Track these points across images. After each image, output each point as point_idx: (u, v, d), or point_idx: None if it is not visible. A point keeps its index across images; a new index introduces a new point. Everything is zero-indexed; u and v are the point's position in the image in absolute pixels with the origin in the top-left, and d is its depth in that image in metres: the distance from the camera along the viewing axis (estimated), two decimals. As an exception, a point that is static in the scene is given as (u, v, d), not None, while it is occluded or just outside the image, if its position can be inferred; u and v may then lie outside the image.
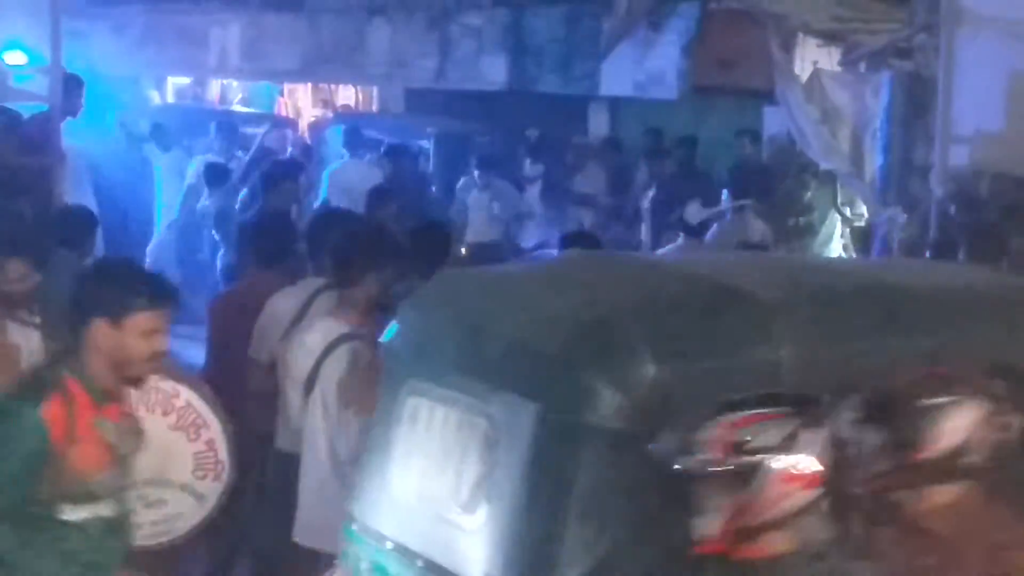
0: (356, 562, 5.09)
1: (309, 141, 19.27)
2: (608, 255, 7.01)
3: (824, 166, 13.48)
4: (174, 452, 5.96)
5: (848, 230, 14.07)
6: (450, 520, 4.59)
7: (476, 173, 14.94)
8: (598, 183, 15.62)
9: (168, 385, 6.13)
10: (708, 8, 14.53)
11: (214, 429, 6.35)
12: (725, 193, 12.72)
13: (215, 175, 14.50)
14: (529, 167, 16.01)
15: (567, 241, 8.65)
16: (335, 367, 6.48)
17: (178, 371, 6.47)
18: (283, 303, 7.47)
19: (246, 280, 8.57)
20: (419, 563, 4.71)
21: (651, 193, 14.12)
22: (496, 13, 16.53)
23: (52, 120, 10.93)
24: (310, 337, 6.66)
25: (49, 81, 10.86)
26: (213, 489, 6.29)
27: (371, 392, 6.09)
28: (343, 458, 6.40)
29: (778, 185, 13.96)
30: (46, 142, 10.76)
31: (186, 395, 6.30)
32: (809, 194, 14.16)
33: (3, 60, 11.41)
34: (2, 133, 10.48)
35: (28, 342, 6.84)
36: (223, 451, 6.34)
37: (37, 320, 6.90)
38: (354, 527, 5.09)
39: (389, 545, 4.89)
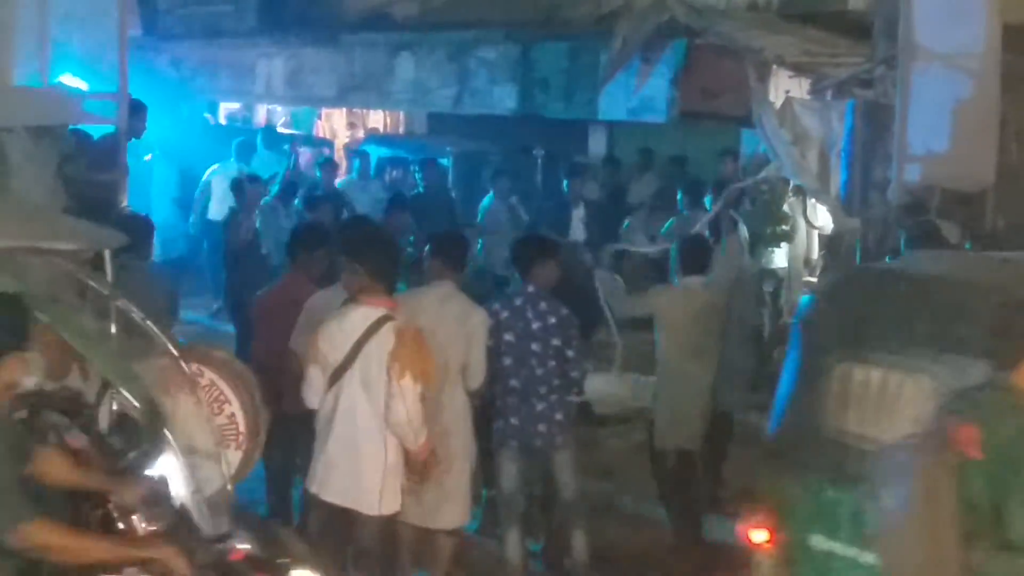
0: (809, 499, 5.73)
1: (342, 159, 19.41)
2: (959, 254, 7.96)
3: (795, 182, 13.52)
4: (200, 425, 6.00)
5: (817, 238, 14.13)
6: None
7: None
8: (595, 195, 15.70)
9: (194, 367, 6.17)
10: (694, 44, 14.53)
11: (235, 405, 6.42)
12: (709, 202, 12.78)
13: (239, 188, 14.41)
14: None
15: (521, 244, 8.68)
16: (380, 344, 6.57)
17: (205, 353, 6.54)
18: (322, 302, 7.56)
19: (282, 281, 8.68)
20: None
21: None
22: (508, 47, 16.55)
23: (118, 140, 10.99)
24: (348, 322, 6.75)
25: (117, 106, 10.92)
26: (235, 456, 6.35)
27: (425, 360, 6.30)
28: (402, 418, 6.50)
29: (757, 197, 14.02)
30: (113, 160, 10.82)
31: (209, 375, 6.37)
32: (786, 205, 14.20)
33: (74, 87, 11.48)
34: (76, 152, 10.54)
35: None
36: (242, 424, 6.41)
37: None
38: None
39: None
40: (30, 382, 5.42)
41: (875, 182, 12.19)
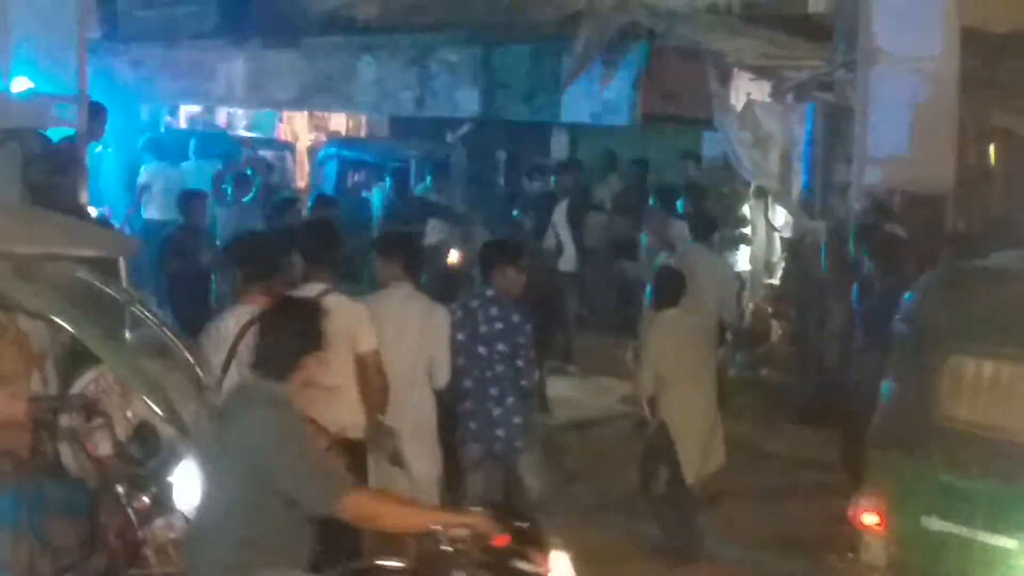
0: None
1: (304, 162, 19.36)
2: None
3: (756, 184, 13.57)
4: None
5: (779, 239, 14.17)
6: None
7: None
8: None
9: None
10: (655, 46, 14.56)
11: None
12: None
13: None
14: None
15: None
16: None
17: None
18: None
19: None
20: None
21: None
22: (470, 50, 16.54)
23: (78, 143, 10.90)
24: (224, 324, 6.70)
25: (77, 110, 10.83)
26: None
27: None
28: None
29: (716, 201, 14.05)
30: (74, 163, 10.73)
31: None
32: (746, 208, 14.25)
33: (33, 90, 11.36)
34: (39, 155, 10.45)
35: (36, 331, 6.92)
36: None
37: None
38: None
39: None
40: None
41: (836, 184, 12.25)
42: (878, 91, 11.68)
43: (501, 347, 7.97)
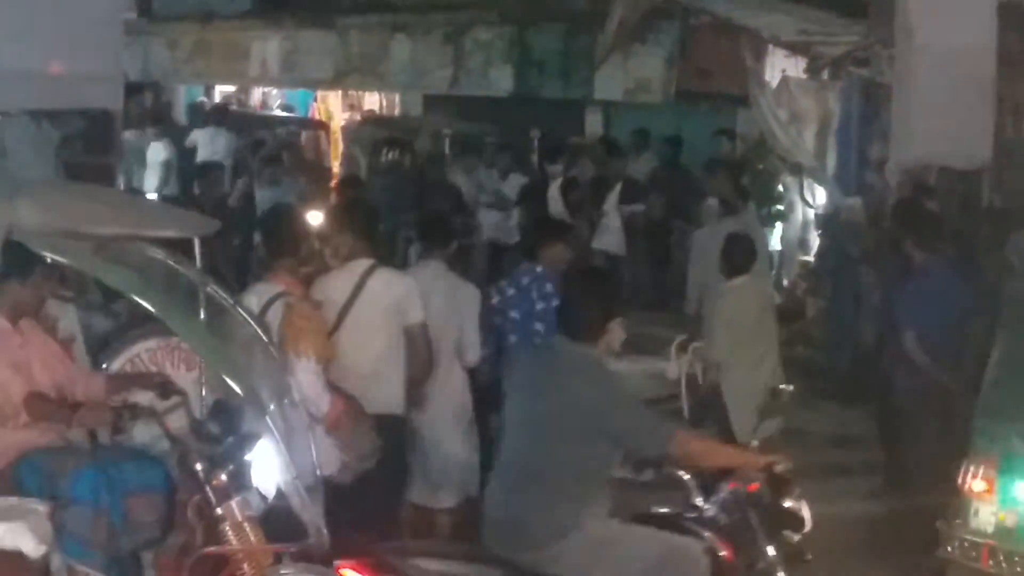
0: None
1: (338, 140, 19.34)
2: None
3: (791, 161, 13.49)
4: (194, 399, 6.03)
5: (814, 216, 14.07)
6: None
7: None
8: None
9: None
10: (689, 23, 14.52)
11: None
12: None
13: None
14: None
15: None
16: (273, 320, 6.49)
17: None
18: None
19: None
20: None
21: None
22: (504, 29, 16.54)
23: (114, 123, 10.90)
24: (247, 300, 6.71)
25: (112, 90, 10.83)
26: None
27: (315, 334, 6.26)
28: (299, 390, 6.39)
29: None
30: (109, 143, 10.73)
31: None
32: (781, 186, 14.16)
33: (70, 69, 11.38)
34: (75, 135, 10.47)
35: (64, 314, 6.98)
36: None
37: (70, 295, 7.04)
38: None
39: None
40: None
41: (872, 161, 12.16)
42: (914, 66, 11.56)
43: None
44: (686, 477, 5.64)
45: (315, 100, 22.92)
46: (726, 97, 14.82)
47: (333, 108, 22.90)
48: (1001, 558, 6.37)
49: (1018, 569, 6.31)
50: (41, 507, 5.39)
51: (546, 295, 7.95)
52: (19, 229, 5.13)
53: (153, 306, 5.34)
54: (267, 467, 5.38)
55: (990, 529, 6.42)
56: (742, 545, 5.51)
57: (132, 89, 11.39)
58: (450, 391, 7.69)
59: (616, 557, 5.28)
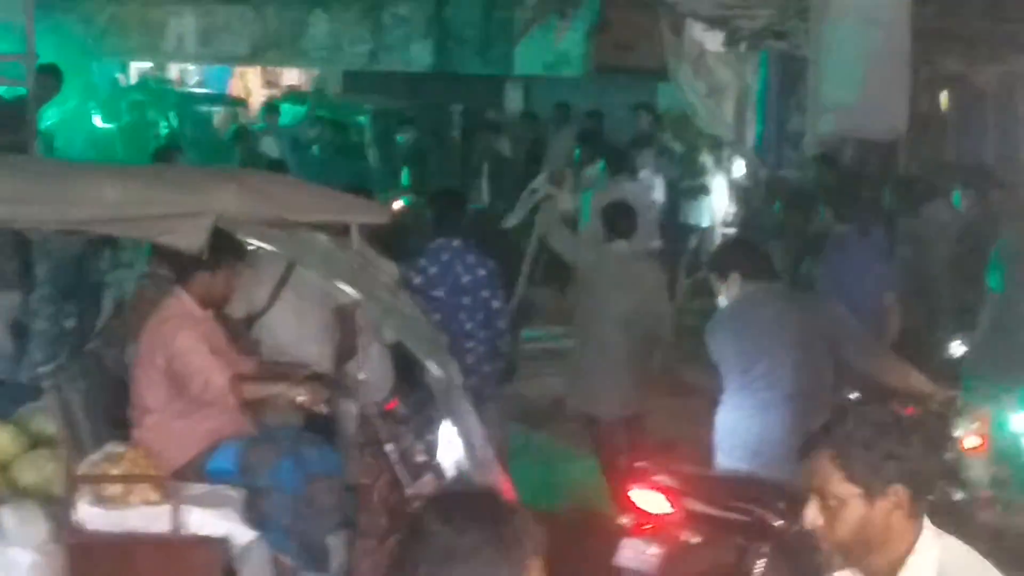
0: None
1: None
2: None
3: (710, 133, 13.56)
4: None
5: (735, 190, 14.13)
6: None
7: None
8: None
9: None
10: (607, -3, 14.55)
11: None
12: None
13: None
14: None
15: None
16: None
17: None
18: None
19: None
20: None
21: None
22: (422, 3, 16.46)
23: (26, 103, 10.70)
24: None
25: (25, 69, 10.63)
26: None
27: None
28: None
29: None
30: (20, 122, 10.53)
31: None
32: (702, 159, 14.20)
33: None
34: (-16, 116, 10.29)
35: None
36: None
37: None
38: None
39: None
40: None
41: (789, 133, 12.26)
42: (830, 39, 11.65)
43: (484, 293, 7.93)
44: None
45: (232, 77, 22.69)
46: (645, 71, 14.85)
47: (252, 85, 22.68)
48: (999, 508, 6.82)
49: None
50: (236, 494, 5.45)
51: (470, 266, 7.93)
52: (225, 217, 5.08)
53: (358, 290, 5.38)
54: (452, 444, 5.46)
55: (984, 482, 6.74)
56: None
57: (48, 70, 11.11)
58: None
59: None
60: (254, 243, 5.35)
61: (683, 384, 9.61)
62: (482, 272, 7.95)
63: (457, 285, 7.92)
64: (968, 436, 6.67)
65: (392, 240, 7.31)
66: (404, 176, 14.31)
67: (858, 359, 6.12)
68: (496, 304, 8.01)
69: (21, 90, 10.69)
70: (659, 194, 12.43)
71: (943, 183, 10.50)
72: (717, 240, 13.96)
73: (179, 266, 5.77)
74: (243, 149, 14.21)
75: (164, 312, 5.75)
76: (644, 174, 12.13)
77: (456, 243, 7.98)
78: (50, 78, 11.11)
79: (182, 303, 5.78)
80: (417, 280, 7.86)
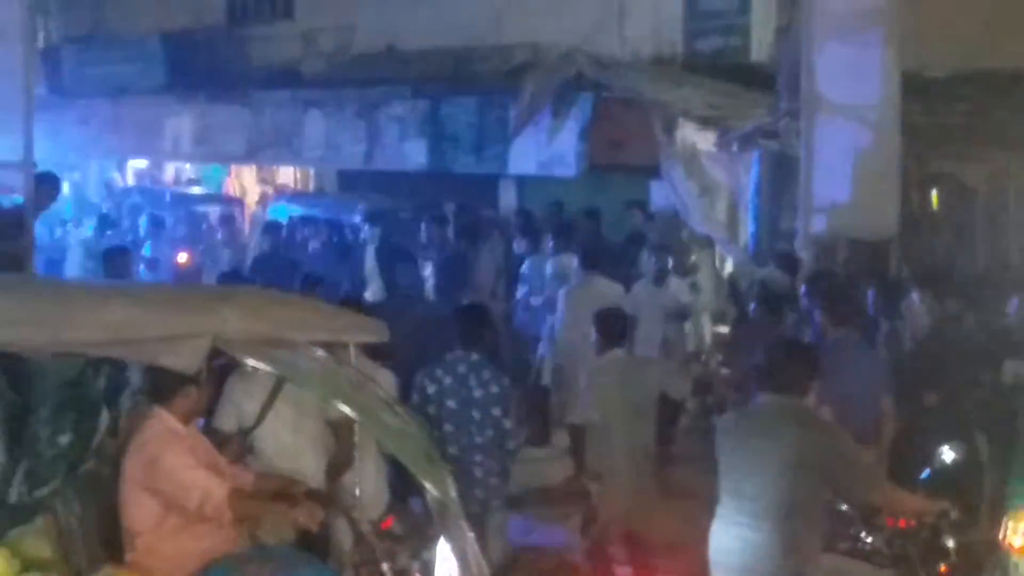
0: None
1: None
2: None
3: (703, 233, 13.62)
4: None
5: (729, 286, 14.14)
6: None
7: None
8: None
9: None
10: (601, 97, 14.64)
11: None
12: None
13: None
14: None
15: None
16: None
17: None
18: None
19: None
20: None
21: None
22: (417, 104, 16.56)
23: (24, 210, 10.77)
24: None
25: (23, 177, 10.72)
26: None
27: None
28: None
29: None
30: (19, 230, 10.60)
31: None
32: (694, 257, 14.24)
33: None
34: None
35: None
36: None
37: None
38: None
39: None
40: None
41: (782, 232, 12.32)
42: (821, 139, 11.80)
43: (495, 411, 7.97)
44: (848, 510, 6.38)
45: (229, 175, 22.83)
46: (638, 169, 14.94)
47: (247, 183, 22.83)
48: None
49: None
50: None
51: (484, 382, 7.98)
52: (222, 337, 5.06)
53: (354, 410, 5.36)
54: (448, 564, 5.43)
55: None
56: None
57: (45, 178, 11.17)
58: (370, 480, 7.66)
59: None
60: (250, 362, 5.33)
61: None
62: (495, 389, 8.02)
63: (470, 399, 7.97)
64: (1017, 536, 6.85)
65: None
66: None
67: (854, 492, 6.24)
68: (507, 424, 8.05)
69: (18, 198, 10.77)
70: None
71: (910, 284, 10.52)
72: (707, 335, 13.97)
73: (162, 385, 5.76)
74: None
75: (145, 434, 5.72)
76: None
77: (475, 357, 8.03)
78: (47, 186, 11.20)
79: (162, 421, 5.76)
80: (431, 389, 7.93)
